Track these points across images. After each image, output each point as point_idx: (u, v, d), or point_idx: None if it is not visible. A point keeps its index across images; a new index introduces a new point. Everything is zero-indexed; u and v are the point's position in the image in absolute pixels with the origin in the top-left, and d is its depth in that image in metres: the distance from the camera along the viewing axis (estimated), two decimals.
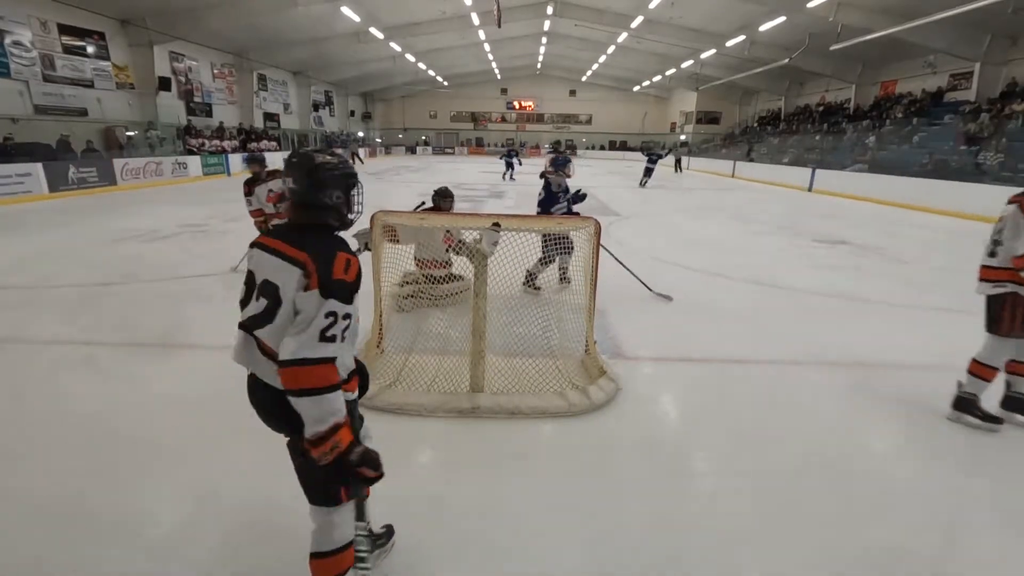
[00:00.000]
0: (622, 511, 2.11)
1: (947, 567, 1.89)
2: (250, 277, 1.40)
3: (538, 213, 5.18)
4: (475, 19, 21.72)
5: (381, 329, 3.32)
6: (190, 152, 17.00)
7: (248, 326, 1.38)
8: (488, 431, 2.66)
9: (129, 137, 15.83)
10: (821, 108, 24.85)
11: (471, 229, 3.12)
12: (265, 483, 2.22)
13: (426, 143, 41.65)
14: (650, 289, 5.07)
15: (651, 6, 19.21)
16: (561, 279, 5.10)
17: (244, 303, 1.42)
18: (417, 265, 4.11)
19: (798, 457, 2.50)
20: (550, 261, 4.87)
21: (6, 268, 5.60)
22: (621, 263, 5.19)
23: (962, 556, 1.94)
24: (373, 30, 21.18)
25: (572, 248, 4.72)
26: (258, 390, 1.42)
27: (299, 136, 27.29)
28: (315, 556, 1.49)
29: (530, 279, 4.72)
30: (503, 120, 42.64)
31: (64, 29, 14.13)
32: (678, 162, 27.09)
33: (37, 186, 11.27)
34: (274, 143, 23.04)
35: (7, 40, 12.68)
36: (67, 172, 12.05)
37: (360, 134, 35.83)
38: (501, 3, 18.27)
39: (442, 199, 4.72)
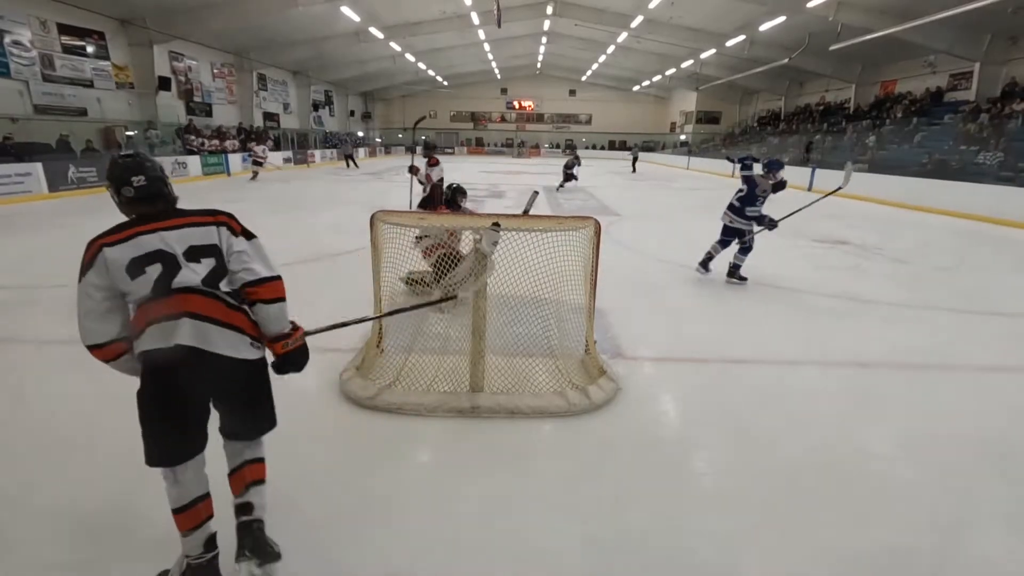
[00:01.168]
0: (622, 511, 2.11)
1: (948, 567, 1.89)
2: (150, 259, 1.51)
3: (732, 209, 5.27)
4: (475, 19, 21.71)
5: (381, 329, 3.32)
6: (190, 152, 16.99)
7: (208, 282, 1.55)
8: (488, 431, 2.66)
9: (129, 137, 15.83)
10: (821, 108, 24.85)
11: (471, 229, 3.11)
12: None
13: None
14: (838, 188, 5.39)
15: (651, 6, 19.20)
16: (731, 275, 5.41)
17: (166, 280, 1.51)
18: (425, 255, 4.07)
19: (798, 457, 2.49)
20: (725, 245, 5.29)
21: (6, 268, 5.60)
22: (799, 210, 5.42)
23: (962, 556, 1.94)
24: (373, 30, 21.18)
25: (749, 248, 5.22)
26: (220, 370, 1.54)
27: (299, 136, 27.30)
28: (256, 461, 1.80)
29: (706, 263, 5.41)
30: (503, 120, 42.64)
31: (64, 29, 14.12)
32: (635, 160, 26.21)
33: (37, 186, 11.26)
34: (270, 142, 22.96)
35: (7, 40, 12.66)
36: (67, 172, 12.05)
37: (360, 134, 35.82)
38: (501, 3, 18.27)
39: (457, 194, 4.85)
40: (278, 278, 1.66)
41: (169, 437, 1.59)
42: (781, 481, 2.31)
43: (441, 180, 7.27)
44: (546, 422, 2.74)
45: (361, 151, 32.46)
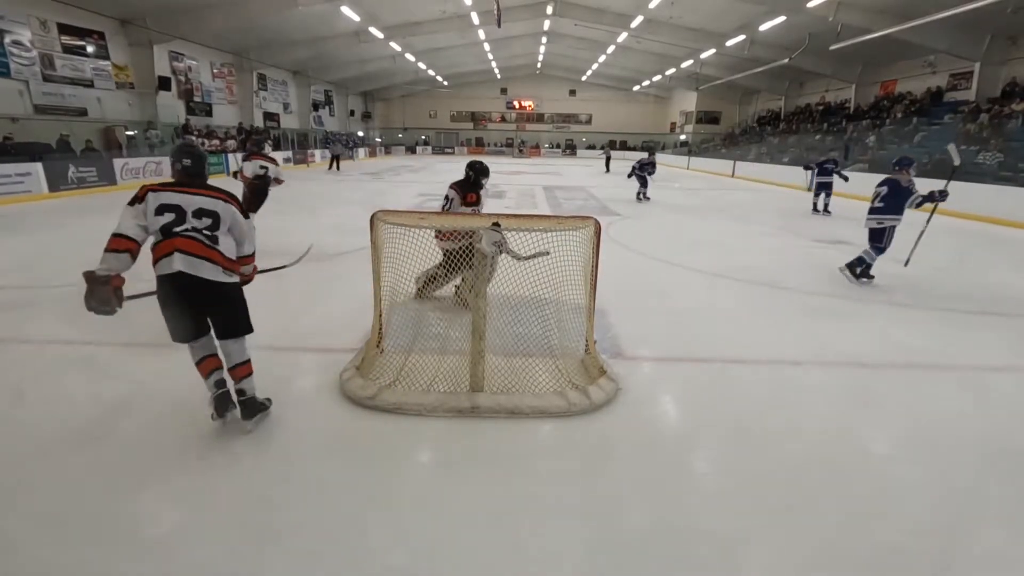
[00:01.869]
0: (622, 511, 2.11)
1: (948, 567, 1.89)
2: (169, 209, 2.31)
3: (878, 212, 5.32)
4: (475, 19, 21.72)
5: (381, 329, 3.32)
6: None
7: (203, 229, 2.34)
8: (488, 431, 2.66)
9: (129, 137, 15.82)
10: (821, 108, 24.86)
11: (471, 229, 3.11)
12: (263, 482, 2.22)
13: (426, 143, 41.64)
14: (956, 167, 5.28)
15: (651, 6, 19.21)
16: (862, 274, 5.48)
17: (170, 227, 2.29)
18: (439, 237, 3.91)
19: (798, 457, 2.50)
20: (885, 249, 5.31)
21: (6, 268, 5.60)
22: (949, 180, 5.30)
23: (963, 556, 1.95)
24: (373, 30, 21.18)
25: (883, 249, 5.27)
26: (202, 289, 2.33)
27: (299, 136, 27.29)
28: (242, 364, 2.53)
29: (858, 269, 5.39)
30: (503, 120, 42.64)
31: (64, 29, 14.12)
32: (608, 160, 25.40)
33: (37, 186, 11.25)
34: (269, 142, 22.92)
35: (7, 40, 12.67)
36: (67, 172, 12.03)
37: (360, 134, 35.80)
38: (501, 3, 18.27)
39: (480, 175, 4.42)
40: (253, 254, 2.65)
41: (179, 326, 2.41)
42: (781, 481, 2.31)
43: (259, 177, 6.35)
44: (546, 422, 2.73)
45: (361, 151, 32.43)
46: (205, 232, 2.33)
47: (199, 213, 2.35)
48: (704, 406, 2.99)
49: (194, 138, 16.74)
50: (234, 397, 2.53)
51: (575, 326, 3.38)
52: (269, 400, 2.67)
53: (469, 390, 2.89)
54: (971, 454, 2.55)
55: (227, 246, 2.42)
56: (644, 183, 12.64)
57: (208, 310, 2.44)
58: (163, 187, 2.35)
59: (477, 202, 4.49)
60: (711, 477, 2.39)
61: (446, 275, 3.94)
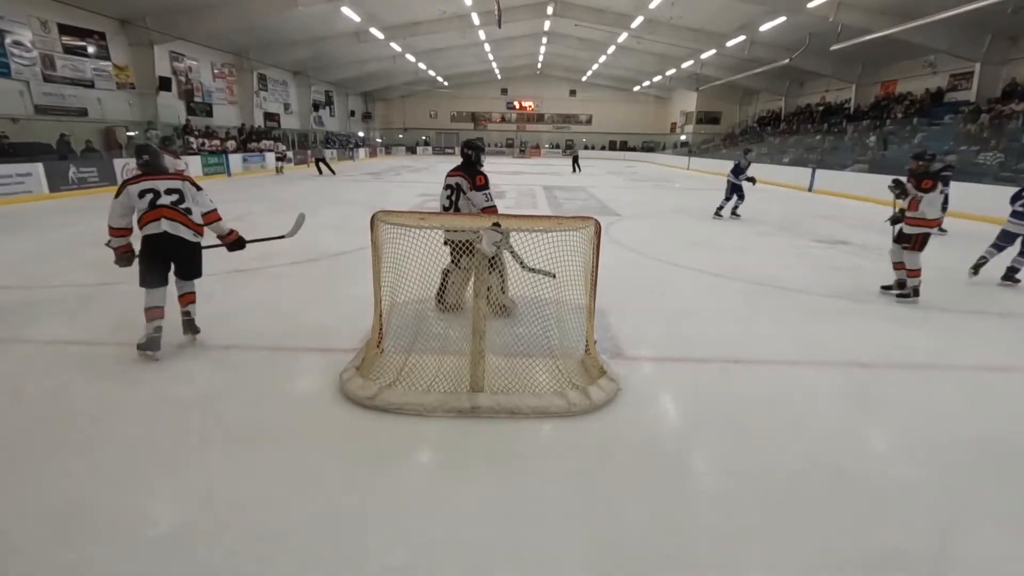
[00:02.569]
0: (622, 511, 2.11)
1: (948, 567, 1.88)
2: (148, 192, 3.24)
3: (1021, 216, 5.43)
4: (475, 19, 21.73)
5: (381, 329, 3.32)
6: (190, 152, 17.00)
7: (175, 203, 3.28)
8: (488, 431, 2.66)
9: (129, 137, 15.83)
10: (821, 108, 24.86)
11: (471, 229, 3.10)
12: (263, 483, 2.22)
13: (426, 143, 41.65)
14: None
15: (651, 6, 19.22)
16: (1007, 277, 5.59)
17: (154, 202, 3.23)
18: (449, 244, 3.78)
19: (798, 457, 2.49)
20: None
21: (6, 268, 5.60)
22: None
23: (962, 557, 1.94)
24: (373, 30, 21.19)
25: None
26: (178, 245, 3.29)
27: (300, 136, 27.30)
28: (189, 294, 3.51)
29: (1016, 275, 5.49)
30: (503, 120, 42.65)
31: (64, 29, 14.14)
32: (575, 160, 24.21)
33: (37, 186, 11.26)
34: (271, 142, 22.95)
35: (7, 40, 12.68)
36: (67, 172, 12.04)
37: (360, 134, 35.81)
38: (501, 3, 18.28)
39: (480, 154, 4.23)
40: (214, 210, 3.50)
41: (151, 274, 3.29)
42: (781, 481, 2.31)
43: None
44: (546, 422, 2.73)
45: (362, 151, 32.45)
46: (180, 206, 3.28)
47: (169, 191, 3.28)
48: (704, 406, 2.99)
49: (191, 137, 16.85)
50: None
51: (575, 326, 3.37)
52: (198, 328, 3.55)
53: (469, 390, 2.89)
54: (971, 454, 2.55)
55: (196, 214, 3.38)
56: (741, 195, 10.11)
57: (176, 260, 3.38)
58: (135, 179, 3.28)
59: (486, 184, 4.24)
60: (711, 477, 2.39)
61: (459, 270, 3.82)
